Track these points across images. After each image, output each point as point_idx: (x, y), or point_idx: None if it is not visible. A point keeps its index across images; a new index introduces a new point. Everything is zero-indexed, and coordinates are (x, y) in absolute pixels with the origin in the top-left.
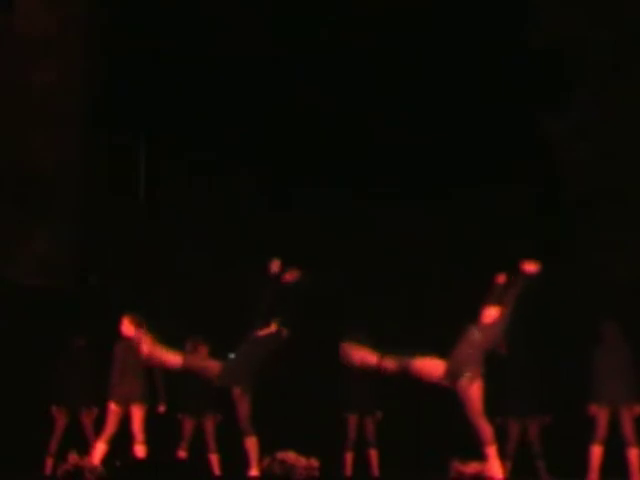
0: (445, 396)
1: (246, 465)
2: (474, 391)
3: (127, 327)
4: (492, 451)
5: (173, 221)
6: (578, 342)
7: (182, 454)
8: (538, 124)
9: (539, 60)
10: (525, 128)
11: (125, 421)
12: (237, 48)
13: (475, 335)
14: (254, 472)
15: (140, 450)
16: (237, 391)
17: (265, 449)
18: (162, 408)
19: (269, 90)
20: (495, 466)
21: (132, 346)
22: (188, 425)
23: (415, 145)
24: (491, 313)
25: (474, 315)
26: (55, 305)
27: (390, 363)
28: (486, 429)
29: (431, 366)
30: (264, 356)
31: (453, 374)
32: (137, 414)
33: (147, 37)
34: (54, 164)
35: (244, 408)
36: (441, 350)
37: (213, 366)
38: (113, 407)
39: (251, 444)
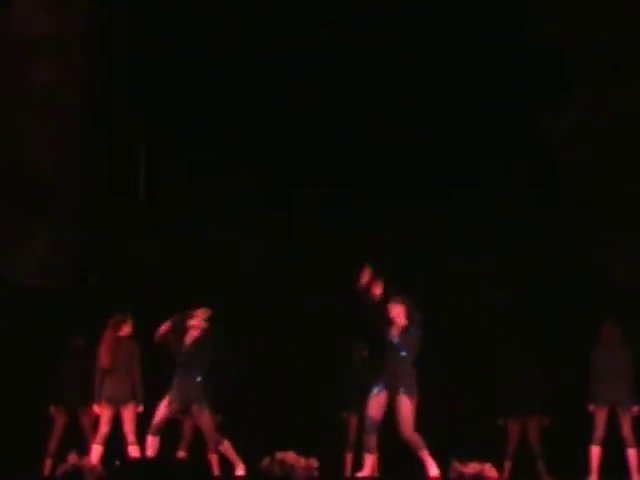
0: (445, 397)
1: (246, 465)
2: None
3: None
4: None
5: (173, 221)
6: (578, 342)
7: (182, 454)
8: (538, 124)
9: (539, 60)
10: (525, 128)
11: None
12: (237, 48)
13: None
14: (240, 470)
15: (134, 451)
16: (195, 408)
17: (265, 449)
18: (140, 408)
19: (269, 90)
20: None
21: (120, 347)
22: (188, 425)
23: (415, 145)
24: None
25: (475, 314)
26: (55, 305)
27: None
28: (371, 439)
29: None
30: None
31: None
32: (127, 415)
33: (147, 37)
34: (54, 164)
35: (206, 421)
36: (440, 345)
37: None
38: (103, 408)
39: (225, 448)
